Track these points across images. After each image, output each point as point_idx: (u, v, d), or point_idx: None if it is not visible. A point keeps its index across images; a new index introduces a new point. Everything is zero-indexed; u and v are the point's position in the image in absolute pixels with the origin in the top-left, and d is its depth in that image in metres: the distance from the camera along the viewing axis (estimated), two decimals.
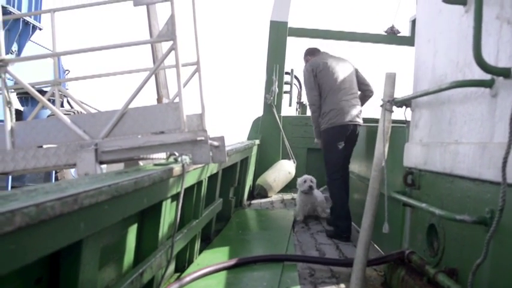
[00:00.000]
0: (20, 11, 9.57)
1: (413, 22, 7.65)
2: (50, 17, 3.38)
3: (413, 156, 2.80)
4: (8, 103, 2.88)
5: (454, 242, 2.25)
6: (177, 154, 2.69)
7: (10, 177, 8.29)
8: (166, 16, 2.68)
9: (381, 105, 2.93)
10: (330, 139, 4.57)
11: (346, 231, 4.36)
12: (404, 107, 2.95)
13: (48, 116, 8.13)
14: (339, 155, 4.56)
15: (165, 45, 3.42)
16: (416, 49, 3.01)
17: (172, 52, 2.71)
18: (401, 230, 3.06)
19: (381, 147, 2.87)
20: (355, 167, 5.03)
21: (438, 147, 2.42)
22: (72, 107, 10.36)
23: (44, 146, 2.90)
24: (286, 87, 8.38)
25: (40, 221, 1.16)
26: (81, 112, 7.01)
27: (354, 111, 4.54)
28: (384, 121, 2.87)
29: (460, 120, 2.23)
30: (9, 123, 2.85)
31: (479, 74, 1.99)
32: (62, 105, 3.70)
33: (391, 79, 2.88)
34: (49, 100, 3.19)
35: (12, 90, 3.25)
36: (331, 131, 4.52)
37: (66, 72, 11.50)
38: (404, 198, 2.79)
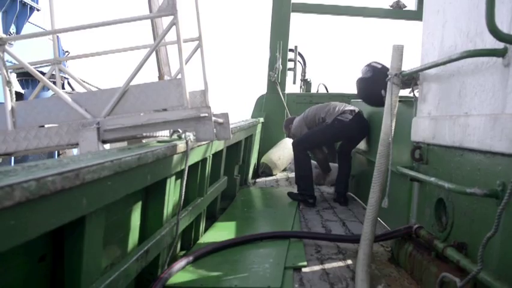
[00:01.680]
0: None
1: None
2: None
3: (421, 130, 2.75)
4: (8, 83, 2.84)
5: (463, 216, 2.22)
6: (180, 131, 2.65)
7: (13, 159, 8.30)
8: None
9: (388, 79, 2.86)
10: (327, 129, 4.83)
11: (308, 189, 4.81)
12: (412, 83, 2.90)
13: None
14: (321, 141, 5.11)
15: (165, 21, 3.36)
16: (424, 21, 2.93)
17: (173, 28, 2.64)
18: (409, 206, 3.02)
19: (388, 122, 2.81)
20: (361, 143, 4.98)
21: (447, 120, 2.36)
22: (73, 89, 10.30)
23: (46, 126, 2.87)
24: (290, 64, 8.26)
25: (41, 196, 1.13)
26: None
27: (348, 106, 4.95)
28: (391, 95, 2.81)
29: (471, 92, 2.17)
30: (10, 103, 2.81)
31: (491, 44, 1.92)
32: (62, 87, 3.66)
33: (398, 51, 2.81)
34: (49, 80, 3.15)
35: (12, 71, 3.20)
36: (333, 123, 4.79)
37: (66, 53, 11.43)
38: (412, 173, 2.75)
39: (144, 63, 2.68)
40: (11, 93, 2.85)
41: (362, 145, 4.97)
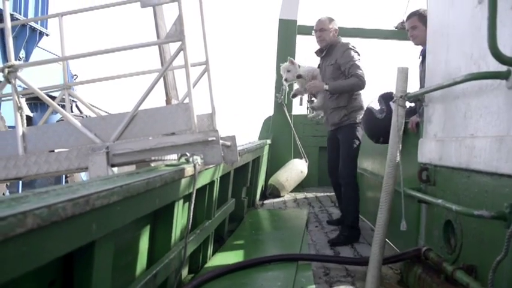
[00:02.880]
0: (27, 17, 9.64)
1: None
2: (56, 23, 3.40)
3: (428, 151, 2.75)
4: (19, 108, 2.89)
5: (471, 238, 2.21)
6: (188, 155, 2.67)
7: (20, 183, 8.35)
8: (172, 16, 2.67)
9: (394, 101, 2.88)
10: (358, 135, 4.27)
11: (357, 225, 4.21)
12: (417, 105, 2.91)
13: (58, 121, 8.20)
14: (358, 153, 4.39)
15: (172, 46, 3.42)
16: (428, 43, 2.96)
17: (181, 53, 2.70)
18: (417, 227, 3.01)
19: (394, 143, 2.83)
20: (368, 164, 4.98)
21: (453, 141, 2.37)
22: (81, 112, 10.41)
23: (56, 150, 2.91)
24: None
25: (52, 222, 1.15)
26: (90, 116, 7.06)
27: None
28: (397, 117, 2.83)
29: (476, 114, 2.18)
30: (21, 128, 2.86)
31: (495, 66, 1.94)
32: (70, 111, 3.70)
33: (403, 74, 2.84)
34: (58, 104, 3.20)
35: (22, 96, 3.26)
36: (360, 126, 4.25)
37: (75, 77, 11.58)
38: (419, 195, 2.75)
39: (153, 88, 2.73)
40: (22, 118, 2.90)
41: (369, 165, 4.96)
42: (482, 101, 2.12)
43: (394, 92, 2.88)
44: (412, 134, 3.16)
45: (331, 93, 4.27)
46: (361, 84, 4.13)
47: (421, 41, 3.81)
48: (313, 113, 5.03)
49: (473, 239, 2.18)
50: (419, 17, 3.81)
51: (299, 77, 4.87)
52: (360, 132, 4.26)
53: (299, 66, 5.00)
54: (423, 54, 3.67)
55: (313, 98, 4.87)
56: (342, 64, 4.18)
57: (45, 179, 9.17)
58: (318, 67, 4.62)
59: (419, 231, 2.99)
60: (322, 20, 4.41)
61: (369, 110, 3.67)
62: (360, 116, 4.21)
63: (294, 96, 5.25)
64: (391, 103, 3.31)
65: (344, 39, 4.45)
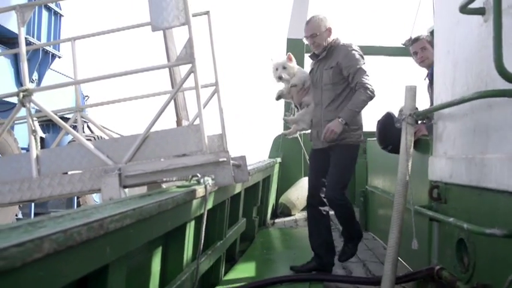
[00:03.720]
0: (40, 40, 9.80)
1: (431, 33, 7.58)
2: (69, 45, 3.48)
3: (438, 169, 2.75)
4: (33, 131, 2.95)
5: (485, 256, 2.19)
6: (199, 175, 2.70)
7: (33, 203, 8.42)
8: (182, 37, 2.73)
9: (402, 119, 2.89)
10: (355, 157, 3.80)
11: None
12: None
13: (70, 142, 8.27)
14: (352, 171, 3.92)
15: (182, 68, 3.47)
16: (435, 61, 2.98)
17: (191, 74, 2.74)
18: (429, 246, 2.98)
19: (404, 162, 2.82)
20: (379, 182, 4.96)
21: (463, 159, 2.37)
22: (92, 132, 10.50)
23: (69, 172, 2.95)
24: None
25: (67, 246, 1.17)
26: (101, 137, 7.13)
27: None
28: (406, 135, 2.83)
29: (485, 131, 2.18)
30: (35, 151, 2.91)
31: (502, 84, 1.95)
32: (82, 131, 3.75)
33: (411, 92, 2.85)
34: (71, 126, 3.26)
35: (36, 119, 3.33)
36: (358, 148, 3.82)
37: (86, 98, 11.68)
38: (430, 213, 2.73)
39: (164, 110, 2.77)
40: (36, 141, 2.96)
41: (380, 183, 4.95)
42: (491, 118, 2.13)
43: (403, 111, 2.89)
44: (422, 152, 3.16)
45: (348, 125, 3.54)
46: (371, 94, 3.54)
47: (429, 63, 3.81)
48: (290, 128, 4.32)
49: (487, 258, 2.16)
50: (427, 39, 3.86)
51: (293, 86, 3.95)
52: (356, 152, 3.79)
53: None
54: (431, 77, 3.66)
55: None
56: (345, 68, 3.60)
57: (57, 200, 9.22)
58: (310, 72, 3.97)
59: (431, 250, 2.97)
60: (312, 23, 3.82)
61: (389, 115, 3.39)
62: (358, 138, 3.72)
63: (279, 98, 4.21)
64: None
65: None
